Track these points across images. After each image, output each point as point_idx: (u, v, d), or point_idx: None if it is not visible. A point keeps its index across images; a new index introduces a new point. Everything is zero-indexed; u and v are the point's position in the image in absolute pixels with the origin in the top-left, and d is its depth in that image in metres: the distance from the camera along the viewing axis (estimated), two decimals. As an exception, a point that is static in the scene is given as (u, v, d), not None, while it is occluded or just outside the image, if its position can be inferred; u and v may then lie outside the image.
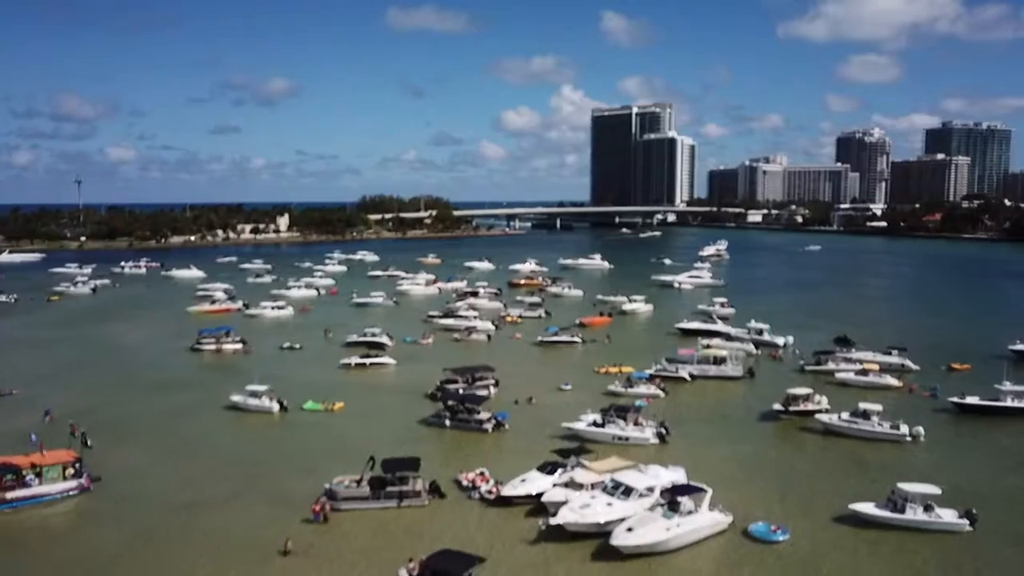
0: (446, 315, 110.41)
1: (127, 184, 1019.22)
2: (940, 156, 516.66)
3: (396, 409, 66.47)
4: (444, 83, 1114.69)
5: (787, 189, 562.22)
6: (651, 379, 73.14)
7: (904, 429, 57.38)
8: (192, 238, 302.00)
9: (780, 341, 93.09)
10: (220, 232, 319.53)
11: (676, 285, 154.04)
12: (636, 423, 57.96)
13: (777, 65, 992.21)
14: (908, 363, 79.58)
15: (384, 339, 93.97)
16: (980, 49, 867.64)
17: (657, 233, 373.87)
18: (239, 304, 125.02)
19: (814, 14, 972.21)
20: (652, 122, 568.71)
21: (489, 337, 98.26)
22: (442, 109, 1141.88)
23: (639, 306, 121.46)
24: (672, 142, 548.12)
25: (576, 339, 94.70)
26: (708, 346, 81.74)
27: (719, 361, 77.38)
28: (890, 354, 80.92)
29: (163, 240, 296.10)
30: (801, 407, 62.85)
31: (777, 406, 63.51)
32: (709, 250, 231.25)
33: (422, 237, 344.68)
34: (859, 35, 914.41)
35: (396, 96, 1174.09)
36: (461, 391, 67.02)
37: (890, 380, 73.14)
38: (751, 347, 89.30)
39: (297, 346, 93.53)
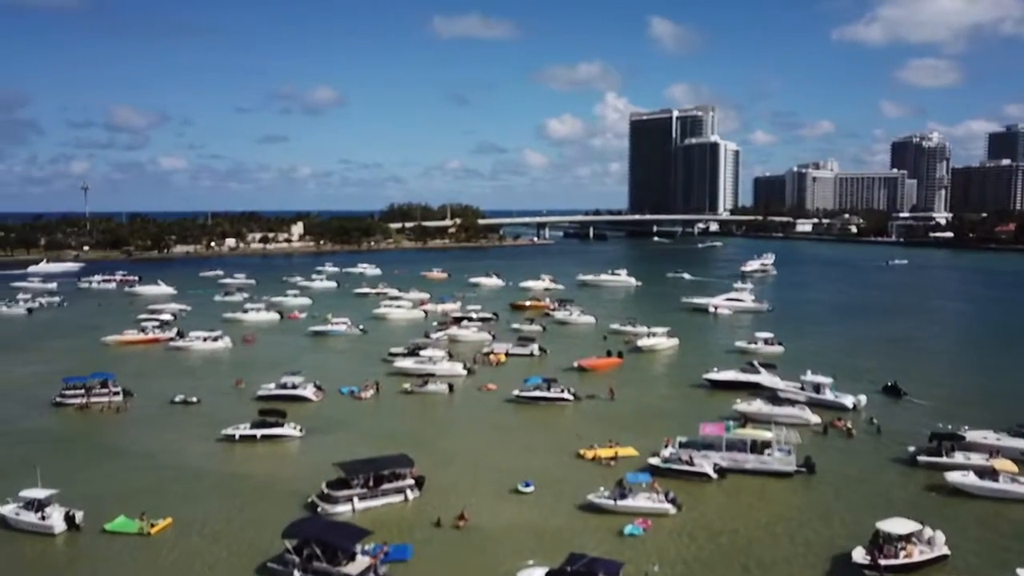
0: (410, 352, 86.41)
1: (178, 193, 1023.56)
2: (1006, 162, 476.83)
3: (251, 531, 42.57)
4: (488, 91, 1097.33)
5: (838, 197, 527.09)
6: (657, 474, 48.11)
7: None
8: (194, 248, 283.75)
9: (848, 402, 67.08)
10: (231, 241, 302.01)
11: (711, 310, 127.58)
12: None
13: (829, 70, 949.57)
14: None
15: (307, 391, 70.65)
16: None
17: (718, 243, 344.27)
18: (172, 332, 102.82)
19: (871, 17, 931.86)
20: (694, 126, 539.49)
21: (451, 388, 74.01)
22: (485, 117, 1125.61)
23: (660, 341, 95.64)
24: (715, 147, 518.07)
25: (566, 395, 69.74)
26: (743, 421, 56.02)
27: (760, 447, 51.82)
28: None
29: (165, 250, 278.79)
30: (902, 558, 37.23)
31: (859, 554, 37.89)
32: (753, 264, 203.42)
33: (443, 247, 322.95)
34: (917, 38, 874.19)
35: (440, 105, 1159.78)
36: (339, 511, 43.37)
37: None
38: (807, 413, 63.42)
39: (194, 400, 70.51)
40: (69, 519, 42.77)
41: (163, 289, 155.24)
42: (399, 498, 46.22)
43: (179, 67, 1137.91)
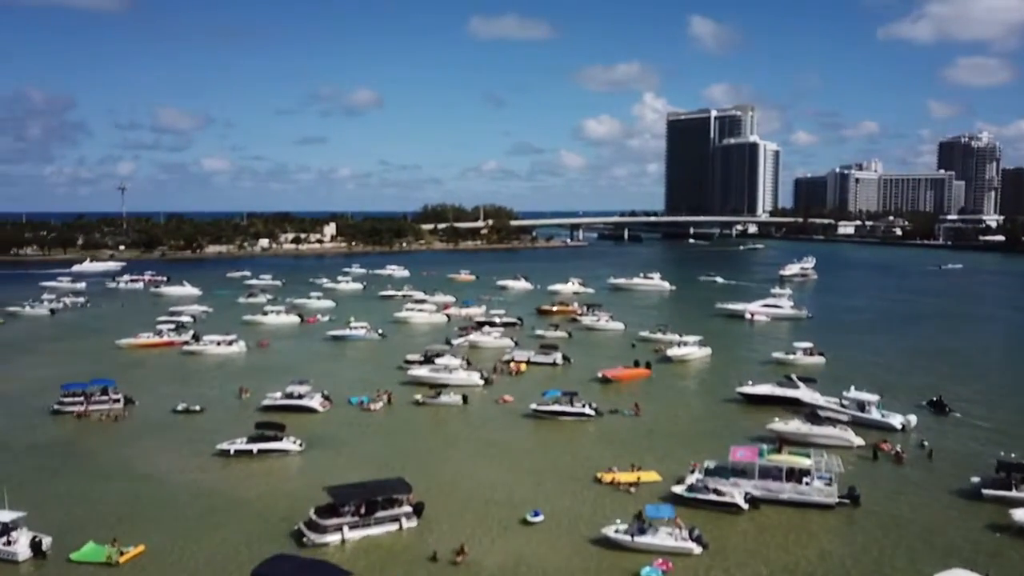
0: (426, 360, 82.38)
1: (220, 193, 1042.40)
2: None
3: (229, 565, 38.71)
4: (525, 92, 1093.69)
5: (882, 198, 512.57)
6: (682, 504, 43.29)
7: None
8: (226, 249, 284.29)
9: (896, 422, 61.35)
10: (263, 242, 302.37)
11: (747, 317, 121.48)
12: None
13: (874, 69, 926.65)
14: None
15: (314, 401, 67.01)
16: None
17: (759, 246, 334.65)
18: (187, 336, 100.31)
19: (918, 15, 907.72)
20: (732, 126, 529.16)
21: (465, 399, 69.73)
22: (522, 118, 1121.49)
23: (691, 351, 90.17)
24: (754, 147, 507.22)
25: (587, 410, 64.96)
26: (778, 443, 50.68)
27: (798, 475, 46.59)
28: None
29: (198, 250, 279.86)
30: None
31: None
32: (792, 268, 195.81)
33: (474, 249, 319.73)
34: (967, 36, 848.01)
35: (477, 106, 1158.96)
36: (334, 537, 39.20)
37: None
38: (851, 434, 57.82)
39: (196, 408, 67.34)
40: (35, 545, 39.44)
41: (188, 290, 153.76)
42: (394, 527, 42.05)
43: (221, 70, 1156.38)
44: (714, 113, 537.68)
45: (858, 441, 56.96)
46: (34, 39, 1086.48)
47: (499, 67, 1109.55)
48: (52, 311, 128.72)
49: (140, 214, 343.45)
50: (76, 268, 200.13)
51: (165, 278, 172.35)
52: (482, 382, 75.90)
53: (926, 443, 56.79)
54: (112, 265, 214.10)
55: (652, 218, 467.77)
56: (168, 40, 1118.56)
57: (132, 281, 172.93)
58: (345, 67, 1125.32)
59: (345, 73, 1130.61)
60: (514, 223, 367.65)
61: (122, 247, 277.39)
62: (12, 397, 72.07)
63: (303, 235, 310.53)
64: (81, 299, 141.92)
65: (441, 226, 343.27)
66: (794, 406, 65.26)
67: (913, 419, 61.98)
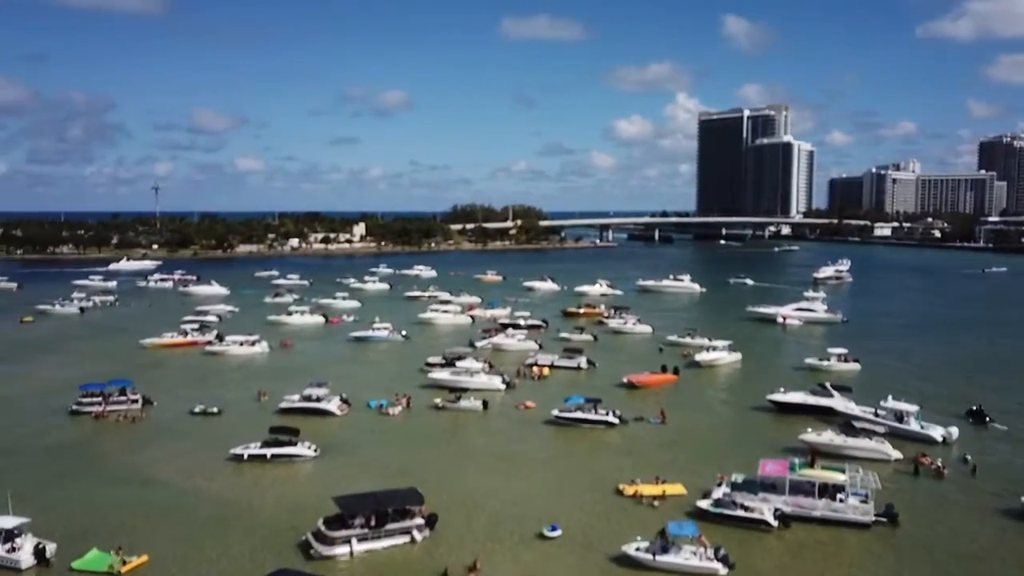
0: (447, 363, 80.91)
1: (253, 193, 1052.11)
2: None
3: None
4: (555, 93, 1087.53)
5: (920, 200, 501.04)
6: (707, 519, 41.08)
7: None
8: (256, 248, 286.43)
9: (937, 434, 58.41)
10: (293, 241, 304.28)
11: (779, 320, 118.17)
12: None
13: (913, 68, 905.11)
14: None
15: (332, 404, 65.81)
16: None
17: (795, 247, 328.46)
18: (211, 335, 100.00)
19: (959, 12, 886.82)
20: (765, 126, 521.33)
21: (486, 405, 68.01)
22: (553, 119, 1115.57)
23: (720, 356, 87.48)
24: (787, 147, 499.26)
25: (610, 417, 62.88)
26: (811, 455, 48.09)
27: (832, 491, 44.10)
28: None
29: (228, 250, 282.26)
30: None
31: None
32: (827, 271, 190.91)
33: (503, 249, 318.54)
34: (1009, 32, 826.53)
35: (507, 106, 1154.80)
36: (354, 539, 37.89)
37: None
38: (887, 447, 54.98)
39: (214, 410, 66.54)
40: (39, 552, 38.55)
41: (216, 289, 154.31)
42: (405, 539, 40.50)
43: (255, 72, 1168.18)
44: (747, 113, 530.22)
45: (896, 454, 54.15)
46: (76, 42, 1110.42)
47: (530, 68, 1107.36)
48: (82, 310, 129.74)
49: (175, 214, 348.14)
50: (113, 266, 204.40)
51: (194, 277, 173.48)
52: (503, 386, 74.18)
53: (969, 457, 53.88)
54: (148, 264, 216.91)
55: (683, 219, 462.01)
56: (204, 43, 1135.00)
57: (162, 280, 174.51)
58: (376, 68, 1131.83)
59: (377, 74, 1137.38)
60: (543, 223, 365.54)
61: (155, 246, 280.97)
62: (33, 397, 71.93)
63: (332, 235, 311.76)
64: (110, 298, 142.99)
65: (470, 226, 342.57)
66: (827, 416, 62.62)
67: (955, 431, 58.94)
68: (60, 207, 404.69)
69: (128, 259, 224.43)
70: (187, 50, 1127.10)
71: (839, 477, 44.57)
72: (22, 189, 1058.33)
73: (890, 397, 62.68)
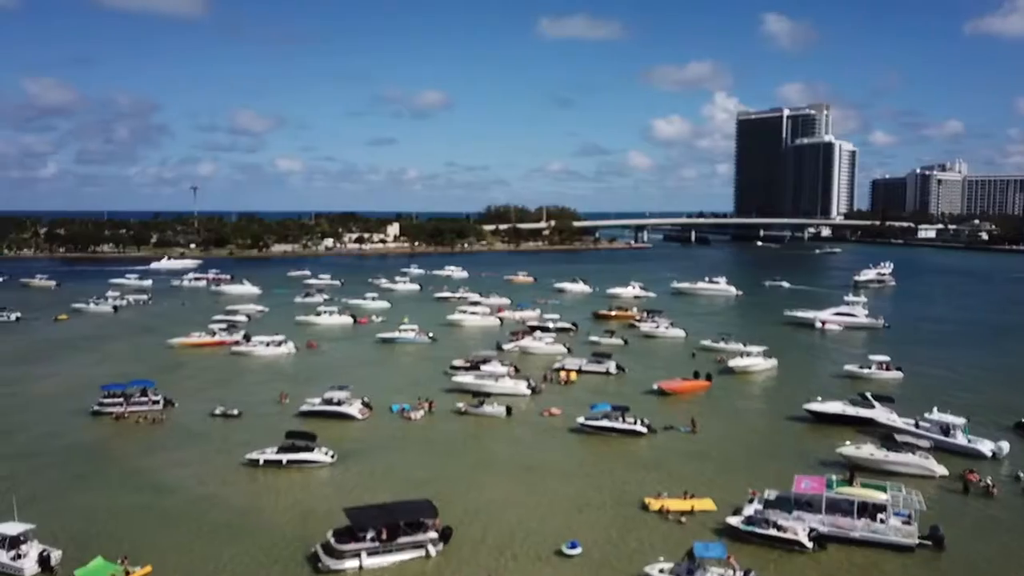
0: (472, 367, 79.24)
1: (293, 193, 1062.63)
2: None
3: (238, 586, 36.20)
4: (592, 93, 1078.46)
5: (967, 201, 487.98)
6: (737, 538, 38.61)
7: None
8: (291, 248, 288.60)
9: (986, 449, 55.05)
10: (328, 241, 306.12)
11: (818, 325, 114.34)
12: None
13: (959, 66, 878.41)
14: None
15: (353, 408, 64.50)
16: None
17: (837, 249, 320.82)
18: (238, 335, 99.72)
19: (1009, 8, 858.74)
20: (805, 126, 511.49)
21: (509, 411, 66.10)
22: (589, 119, 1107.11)
23: (755, 362, 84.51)
24: (828, 147, 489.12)
25: (638, 426, 60.55)
26: (850, 471, 45.15)
27: (872, 511, 41.33)
28: None
29: (264, 249, 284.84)
30: None
31: None
32: (868, 274, 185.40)
33: (536, 250, 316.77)
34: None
35: (544, 107, 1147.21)
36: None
37: None
38: (932, 463, 51.84)
39: (234, 412, 65.70)
40: (43, 560, 37.68)
41: (248, 289, 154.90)
42: (418, 554, 38.80)
43: (295, 73, 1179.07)
44: (786, 112, 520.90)
45: (941, 470, 51.03)
46: (121, 45, 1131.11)
47: (567, 67, 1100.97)
48: (115, 308, 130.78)
49: (214, 213, 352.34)
50: (154, 265, 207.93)
51: (228, 276, 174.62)
52: (529, 392, 72.29)
53: (1021, 475, 50.56)
54: (188, 263, 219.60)
55: (720, 220, 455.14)
56: (244, 45, 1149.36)
57: (196, 279, 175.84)
58: (415, 69, 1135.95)
59: (415, 75, 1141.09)
60: (576, 224, 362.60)
61: (192, 245, 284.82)
62: (57, 396, 71.87)
63: (366, 235, 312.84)
64: (144, 296, 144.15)
65: (503, 227, 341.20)
66: (868, 428, 59.66)
67: (1005, 446, 55.55)
68: (106, 206, 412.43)
69: (168, 258, 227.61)
70: (228, 52, 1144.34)
71: (880, 496, 41.80)
72: (71, 189, 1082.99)
73: (935, 408, 59.31)
